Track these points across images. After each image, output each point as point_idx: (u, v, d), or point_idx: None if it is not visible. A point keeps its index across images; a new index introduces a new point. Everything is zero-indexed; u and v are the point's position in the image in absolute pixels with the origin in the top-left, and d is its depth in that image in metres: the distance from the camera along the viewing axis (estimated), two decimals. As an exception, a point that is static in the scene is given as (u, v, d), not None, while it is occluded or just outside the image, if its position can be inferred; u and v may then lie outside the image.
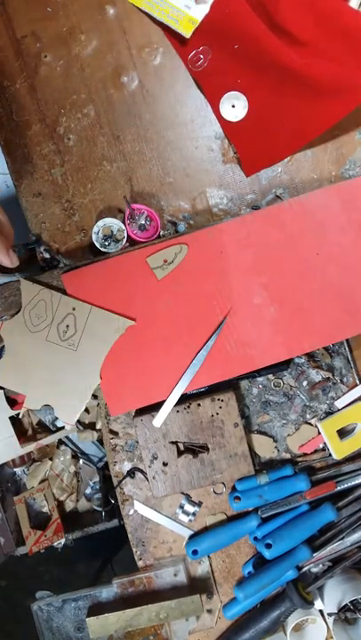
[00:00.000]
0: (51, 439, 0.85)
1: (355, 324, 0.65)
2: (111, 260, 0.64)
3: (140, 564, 0.72)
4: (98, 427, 0.93)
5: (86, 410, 0.93)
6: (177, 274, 0.64)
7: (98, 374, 0.64)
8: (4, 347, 0.65)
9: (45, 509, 0.97)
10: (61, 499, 1.01)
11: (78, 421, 0.94)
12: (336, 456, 0.68)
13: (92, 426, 0.94)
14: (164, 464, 0.66)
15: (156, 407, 0.66)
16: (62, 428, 0.89)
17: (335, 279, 0.65)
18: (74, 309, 0.64)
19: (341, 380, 0.70)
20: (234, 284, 0.65)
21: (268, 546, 0.65)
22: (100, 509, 1.02)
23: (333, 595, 0.68)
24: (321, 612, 0.70)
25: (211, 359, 0.65)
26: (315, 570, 0.70)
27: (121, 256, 0.64)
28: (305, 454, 0.71)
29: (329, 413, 0.71)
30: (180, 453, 0.67)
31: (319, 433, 0.70)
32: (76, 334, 0.64)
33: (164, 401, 0.65)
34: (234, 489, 0.69)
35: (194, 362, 0.64)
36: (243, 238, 0.64)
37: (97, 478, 1.05)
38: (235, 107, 0.67)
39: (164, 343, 0.65)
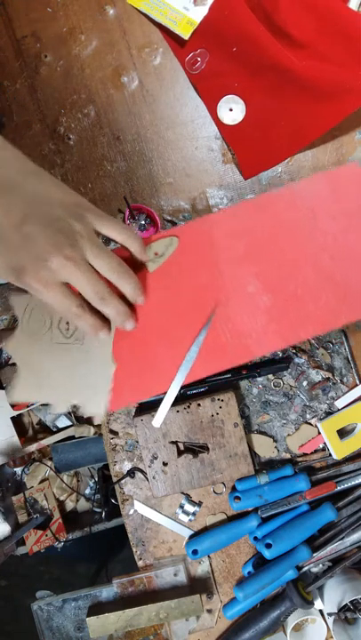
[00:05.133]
0: (51, 439, 0.85)
1: (349, 311, 0.65)
2: None
3: (140, 563, 0.72)
4: (96, 422, 0.93)
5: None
6: (168, 266, 0.64)
7: (111, 359, 0.64)
8: None
9: (46, 509, 0.98)
10: (61, 499, 1.02)
11: (75, 416, 0.94)
12: (336, 456, 0.68)
13: (89, 421, 0.94)
14: (164, 464, 0.67)
15: (156, 406, 0.66)
16: (62, 428, 0.90)
17: (328, 267, 0.65)
18: None
19: (341, 380, 0.70)
20: (226, 275, 0.64)
21: (269, 546, 0.65)
22: (99, 510, 1.02)
23: (333, 595, 0.68)
24: (321, 611, 0.70)
25: (207, 350, 0.64)
26: (315, 570, 0.70)
27: (112, 250, 0.64)
28: (305, 454, 0.71)
29: (329, 413, 0.71)
30: (180, 453, 0.67)
31: (319, 433, 0.70)
32: (78, 328, 0.64)
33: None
34: (234, 489, 0.69)
35: (189, 354, 0.64)
36: (234, 228, 0.64)
37: (96, 478, 1.05)
38: (232, 110, 0.67)
39: (158, 336, 0.65)
